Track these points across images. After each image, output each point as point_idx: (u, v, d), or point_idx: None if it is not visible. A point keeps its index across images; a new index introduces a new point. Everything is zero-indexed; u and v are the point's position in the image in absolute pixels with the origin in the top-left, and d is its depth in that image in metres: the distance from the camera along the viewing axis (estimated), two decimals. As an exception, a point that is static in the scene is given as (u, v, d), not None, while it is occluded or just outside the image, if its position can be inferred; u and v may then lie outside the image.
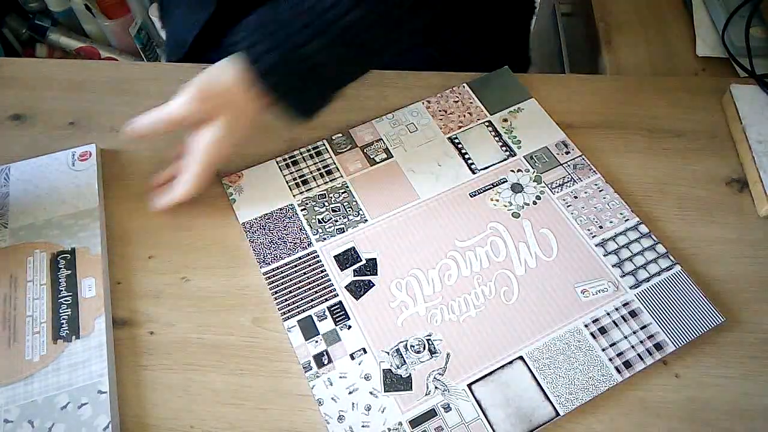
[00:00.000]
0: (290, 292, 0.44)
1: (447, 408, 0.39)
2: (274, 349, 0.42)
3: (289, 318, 0.42)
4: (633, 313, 0.43)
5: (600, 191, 0.49)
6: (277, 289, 0.44)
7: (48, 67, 0.58)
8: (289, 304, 0.43)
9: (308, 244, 0.46)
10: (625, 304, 0.43)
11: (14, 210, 0.47)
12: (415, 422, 0.38)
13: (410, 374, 0.40)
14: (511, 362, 0.41)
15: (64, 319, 0.42)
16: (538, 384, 0.40)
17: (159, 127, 0.44)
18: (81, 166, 0.50)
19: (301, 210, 0.48)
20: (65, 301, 0.43)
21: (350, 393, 0.39)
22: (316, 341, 0.42)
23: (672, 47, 0.62)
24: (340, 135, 0.53)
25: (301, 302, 0.43)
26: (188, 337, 0.43)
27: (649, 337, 0.42)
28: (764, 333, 0.43)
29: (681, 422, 0.40)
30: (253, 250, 0.46)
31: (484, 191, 0.49)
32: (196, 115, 0.44)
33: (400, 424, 0.38)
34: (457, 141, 0.52)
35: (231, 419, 0.39)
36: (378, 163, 0.51)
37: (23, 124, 0.53)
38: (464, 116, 0.54)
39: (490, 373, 0.40)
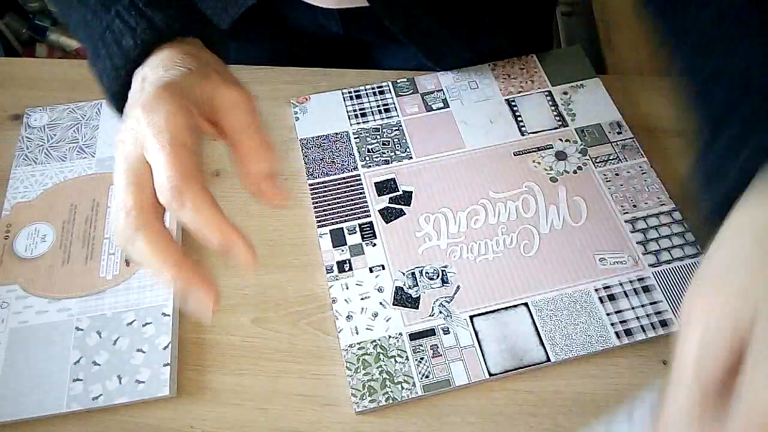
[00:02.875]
0: (329, 204, 0.48)
1: (446, 331, 0.42)
2: (274, 349, 0.42)
3: (322, 226, 0.47)
4: (646, 288, 0.44)
5: (643, 173, 0.49)
6: (318, 200, 0.48)
7: (48, 67, 0.58)
8: (325, 215, 0.48)
9: (354, 168, 0.50)
10: (640, 279, 0.44)
11: (102, 141, 0.52)
12: (414, 336, 0.42)
13: (420, 296, 0.44)
14: (515, 306, 0.43)
15: None
16: (537, 330, 0.42)
17: None
18: None
19: (355, 138, 0.52)
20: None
21: (362, 299, 0.44)
22: (342, 250, 0.46)
23: (672, 47, 0.60)
24: (405, 80, 0.56)
25: (336, 215, 0.48)
26: (188, 337, 0.43)
27: (656, 313, 0.43)
28: None
29: (680, 420, 0.40)
30: (305, 163, 0.51)
31: (528, 152, 0.51)
32: None
33: (401, 334, 0.42)
34: (513, 104, 0.54)
35: (231, 419, 0.40)
36: (434, 110, 0.54)
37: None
38: (526, 83, 0.56)
39: (493, 311, 0.43)
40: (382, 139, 0.52)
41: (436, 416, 0.40)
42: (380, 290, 0.44)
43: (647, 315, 0.43)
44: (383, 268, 0.45)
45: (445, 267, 0.45)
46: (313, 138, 0.52)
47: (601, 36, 0.63)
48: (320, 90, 0.56)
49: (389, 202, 0.48)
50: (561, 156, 0.51)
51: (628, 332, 0.42)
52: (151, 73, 0.31)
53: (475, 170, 0.50)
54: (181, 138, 0.27)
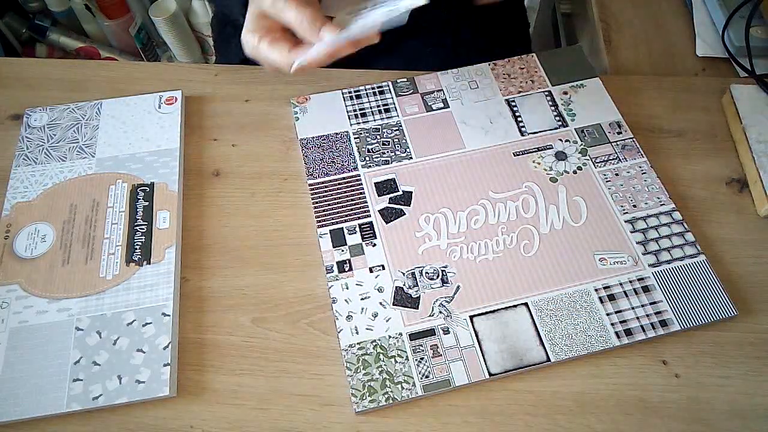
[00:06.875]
0: (329, 204, 0.48)
1: (446, 331, 0.42)
2: (274, 349, 0.43)
3: (322, 226, 0.47)
4: (646, 288, 0.44)
5: (643, 173, 0.49)
6: (318, 200, 0.48)
7: (48, 67, 0.58)
8: (325, 215, 0.48)
9: (354, 168, 0.50)
10: (640, 279, 0.44)
11: (102, 142, 0.52)
12: (414, 336, 0.42)
13: (420, 296, 0.44)
14: (515, 306, 0.43)
15: (138, 245, 0.46)
16: (537, 330, 0.42)
17: None
18: (166, 109, 0.54)
19: (355, 138, 0.52)
20: (140, 229, 0.46)
21: (362, 299, 0.43)
22: (342, 250, 0.46)
23: (672, 47, 0.62)
24: (405, 80, 0.56)
25: (336, 215, 0.48)
26: (188, 337, 0.43)
27: (656, 313, 0.43)
28: (764, 333, 0.43)
29: (681, 422, 0.40)
30: (305, 163, 0.51)
31: (528, 153, 0.51)
32: None
33: (401, 334, 0.42)
34: (513, 104, 0.55)
35: (231, 419, 0.40)
36: (434, 110, 0.54)
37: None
38: (526, 83, 0.56)
39: (493, 311, 0.43)
40: (382, 139, 0.52)
41: (436, 416, 0.40)
42: (380, 290, 0.44)
43: (647, 315, 0.43)
44: (383, 268, 0.45)
45: (445, 267, 0.45)
46: (313, 138, 0.52)
47: (601, 36, 0.63)
48: (320, 90, 0.56)
49: (389, 202, 0.48)
50: (561, 156, 0.51)
51: (628, 332, 0.42)
52: None
53: (475, 170, 0.50)
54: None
